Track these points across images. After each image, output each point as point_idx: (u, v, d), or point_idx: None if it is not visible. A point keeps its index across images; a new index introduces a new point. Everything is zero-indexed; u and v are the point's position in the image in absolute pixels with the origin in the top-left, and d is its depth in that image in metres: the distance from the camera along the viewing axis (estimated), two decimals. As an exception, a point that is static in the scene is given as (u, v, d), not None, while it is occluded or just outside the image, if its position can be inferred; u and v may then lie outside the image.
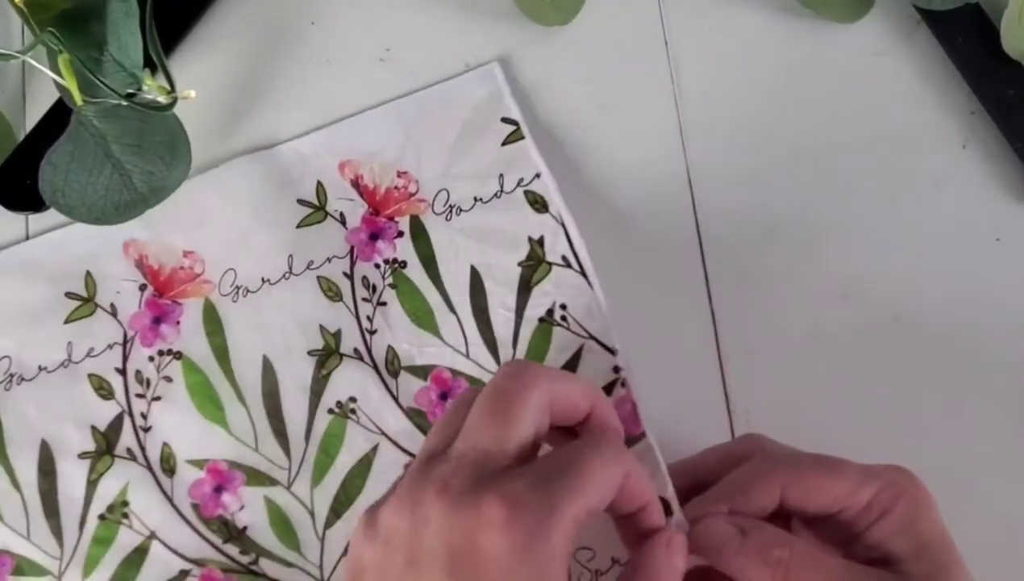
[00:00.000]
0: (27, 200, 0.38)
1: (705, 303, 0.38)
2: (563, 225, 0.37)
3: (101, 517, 0.36)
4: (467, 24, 0.41)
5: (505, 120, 0.39)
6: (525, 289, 0.37)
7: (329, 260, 0.38)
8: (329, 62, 0.41)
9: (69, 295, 0.38)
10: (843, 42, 0.41)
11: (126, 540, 0.36)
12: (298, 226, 0.38)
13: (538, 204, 0.38)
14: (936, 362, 0.37)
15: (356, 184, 0.39)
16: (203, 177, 0.39)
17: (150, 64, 0.34)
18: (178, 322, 0.38)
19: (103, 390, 0.37)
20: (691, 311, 0.38)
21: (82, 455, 0.36)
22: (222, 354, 0.37)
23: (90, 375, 0.37)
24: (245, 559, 0.36)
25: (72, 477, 0.36)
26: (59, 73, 0.33)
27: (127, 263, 0.38)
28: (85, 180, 0.35)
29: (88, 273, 0.38)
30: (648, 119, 0.40)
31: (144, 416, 0.37)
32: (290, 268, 0.38)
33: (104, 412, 0.37)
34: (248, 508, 0.36)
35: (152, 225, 0.38)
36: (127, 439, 0.37)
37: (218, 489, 0.36)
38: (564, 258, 0.37)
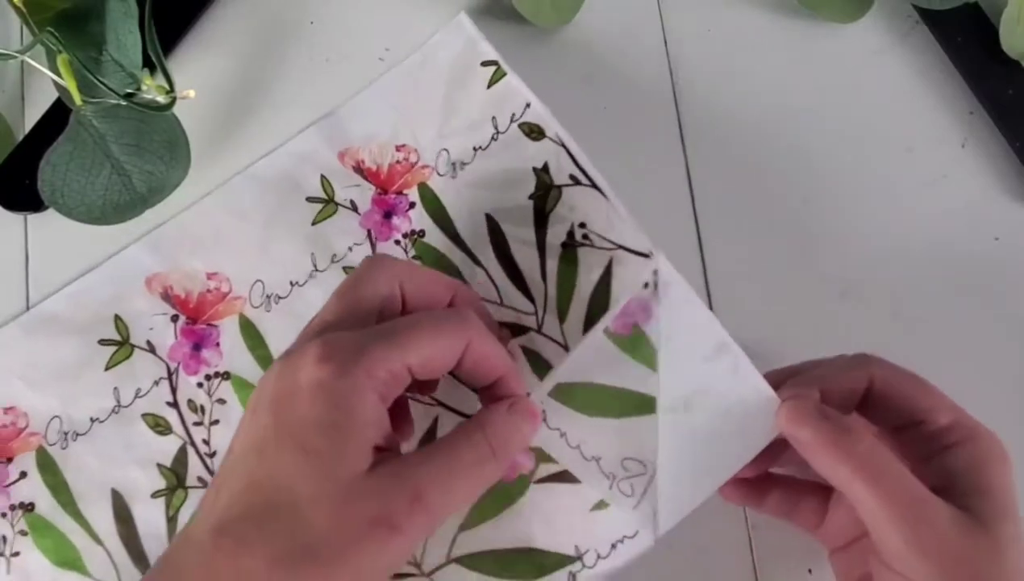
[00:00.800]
0: (26, 200, 0.38)
1: (701, 301, 0.38)
2: (563, 145, 0.37)
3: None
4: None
5: (485, 63, 0.39)
6: (541, 220, 0.37)
7: (351, 249, 0.38)
8: (328, 61, 0.41)
9: (103, 342, 0.37)
10: (842, 42, 0.42)
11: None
12: (313, 223, 0.38)
13: (535, 133, 0.38)
14: (935, 360, 0.37)
15: (359, 169, 0.39)
16: (210, 198, 0.38)
17: (149, 64, 0.34)
18: (218, 344, 0.37)
19: (160, 427, 0.37)
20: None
21: (155, 494, 0.36)
22: (268, 363, 0.37)
23: (144, 415, 0.37)
24: None
25: (150, 518, 0.36)
26: (58, 73, 0.33)
27: (153, 298, 0.38)
28: (84, 180, 0.35)
29: (117, 316, 0.38)
30: (647, 119, 0.40)
31: (207, 442, 0.37)
32: (315, 266, 0.38)
33: (166, 448, 0.37)
34: None
35: (169, 255, 0.38)
36: (195, 468, 0.37)
37: None
38: (572, 177, 0.37)
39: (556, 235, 0.37)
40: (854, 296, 0.38)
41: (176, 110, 0.35)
